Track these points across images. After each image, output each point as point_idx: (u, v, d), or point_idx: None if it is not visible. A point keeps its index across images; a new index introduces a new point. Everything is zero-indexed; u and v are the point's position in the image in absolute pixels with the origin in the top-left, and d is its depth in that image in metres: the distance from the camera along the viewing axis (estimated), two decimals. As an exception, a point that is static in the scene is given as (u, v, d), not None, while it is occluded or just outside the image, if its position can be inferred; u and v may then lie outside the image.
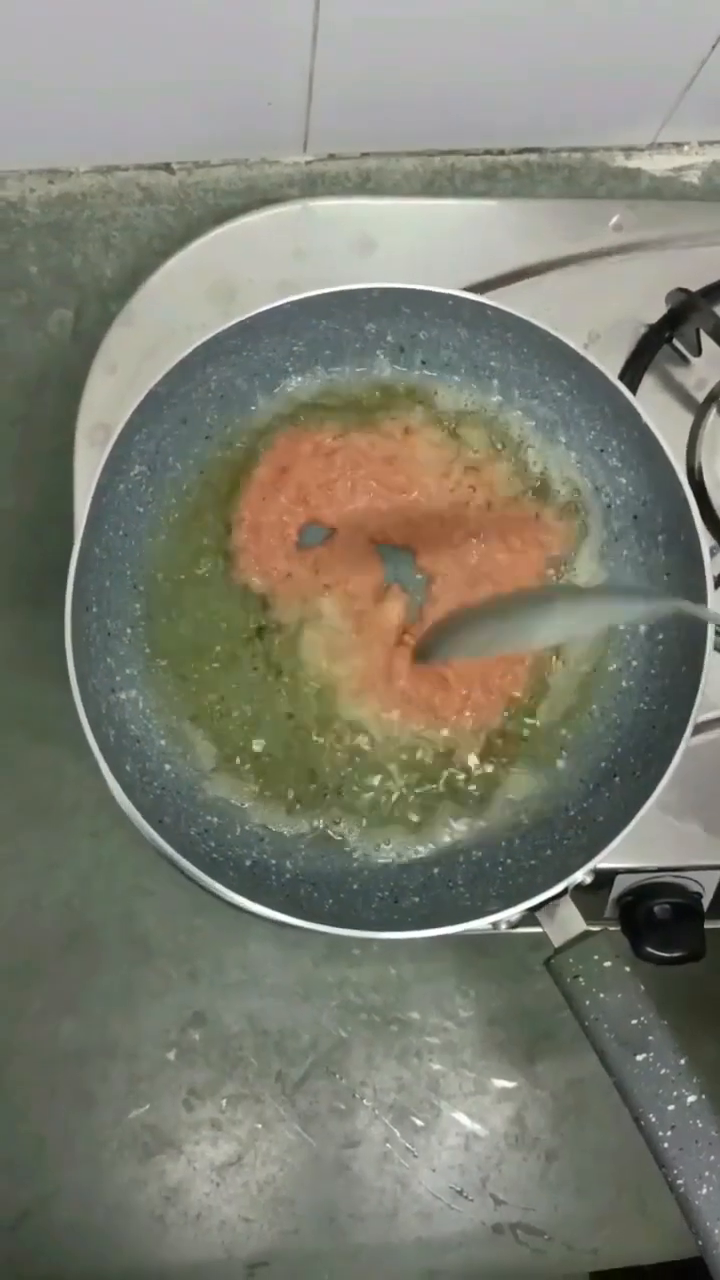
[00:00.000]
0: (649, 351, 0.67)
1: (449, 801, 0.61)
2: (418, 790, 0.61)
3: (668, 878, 0.64)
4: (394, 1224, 0.71)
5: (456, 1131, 0.72)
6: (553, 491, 0.63)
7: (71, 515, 0.63)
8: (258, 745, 0.60)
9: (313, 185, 0.76)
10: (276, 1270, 0.70)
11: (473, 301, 0.56)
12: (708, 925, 0.64)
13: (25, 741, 0.72)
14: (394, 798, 0.60)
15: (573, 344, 0.56)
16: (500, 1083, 0.72)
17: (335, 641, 0.61)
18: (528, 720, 0.61)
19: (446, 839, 0.60)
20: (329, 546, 0.61)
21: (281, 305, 0.55)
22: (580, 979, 0.52)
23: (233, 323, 0.55)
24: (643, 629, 0.61)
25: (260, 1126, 0.71)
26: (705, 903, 0.65)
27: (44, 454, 0.72)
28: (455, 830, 0.61)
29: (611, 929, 0.65)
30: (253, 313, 0.55)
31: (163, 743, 0.60)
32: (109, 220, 0.74)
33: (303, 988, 0.72)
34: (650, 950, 0.62)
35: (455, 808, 0.61)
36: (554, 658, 0.62)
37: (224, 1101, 0.71)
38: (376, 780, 0.61)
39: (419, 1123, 0.72)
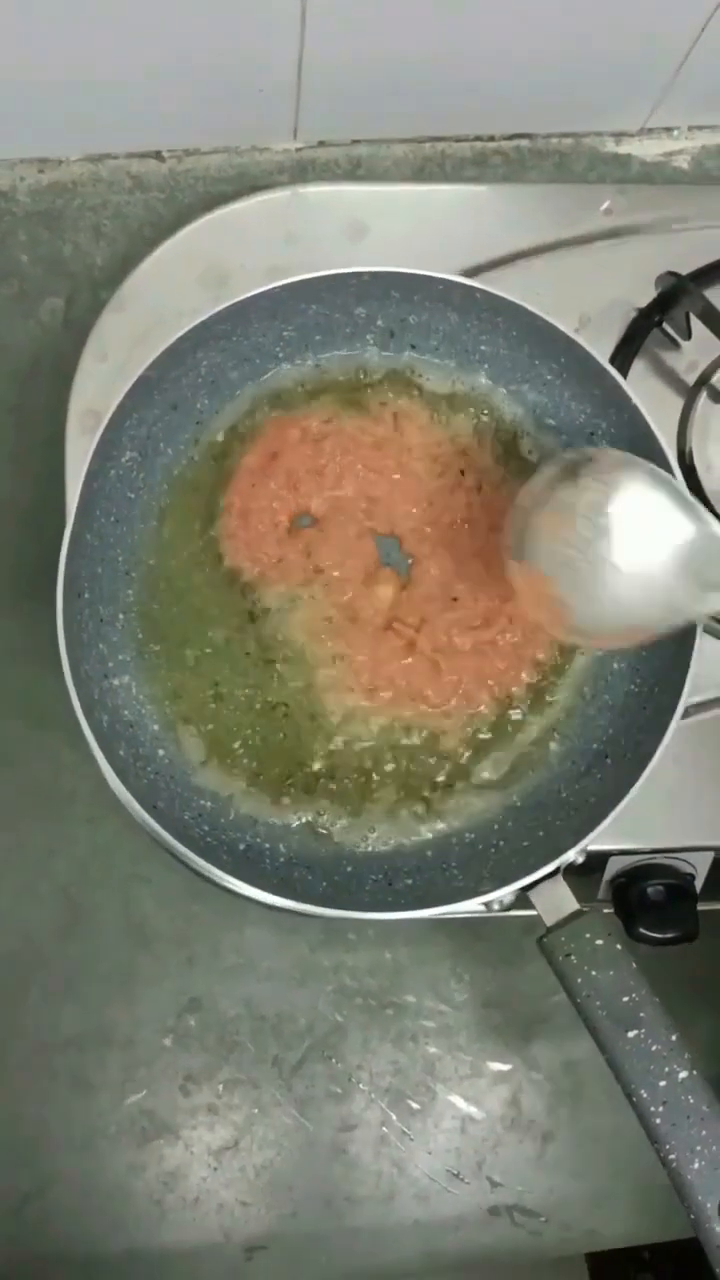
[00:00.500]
0: (639, 335, 0.68)
1: (437, 788, 0.61)
2: (406, 776, 0.61)
3: (660, 859, 0.64)
4: (391, 1207, 0.71)
5: (452, 1114, 0.72)
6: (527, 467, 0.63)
7: (62, 502, 0.63)
8: (247, 731, 0.60)
9: (303, 172, 0.76)
10: (274, 1253, 0.71)
11: (463, 285, 0.56)
12: (700, 906, 0.65)
13: (22, 730, 0.72)
14: (382, 784, 0.60)
15: (563, 327, 0.56)
16: (496, 1065, 0.72)
17: (325, 626, 0.61)
18: (519, 707, 0.62)
19: (437, 825, 0.61)
20: (320, 529, 0.62)
21: (271, 289, 0.55)
22: (572, 957, 0.52)
23: (222, 307, 0.55)
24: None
25: (257, 1111, 0.71)
26: (698, 884, 0.65)
27: (38, 443, 0.72)
28: (444, 816, 0.61)
29: (605, 910, 0.65)
30: (242, 297, 0.55)
31: (156, 728, 0.60)
32: (99, 208, 0.75)
33: (299, 972, 0.72)
34: (643, 931, 0.63)
35: (444, 794, 0.61)
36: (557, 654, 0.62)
37: (221, 1086, 0.71)
38: (366, 765, 0.61)
39: (415, 1106, 0.72)
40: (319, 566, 0.61)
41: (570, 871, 0.56)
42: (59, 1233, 0.70)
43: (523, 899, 0.56)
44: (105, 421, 0.54)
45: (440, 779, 0.61)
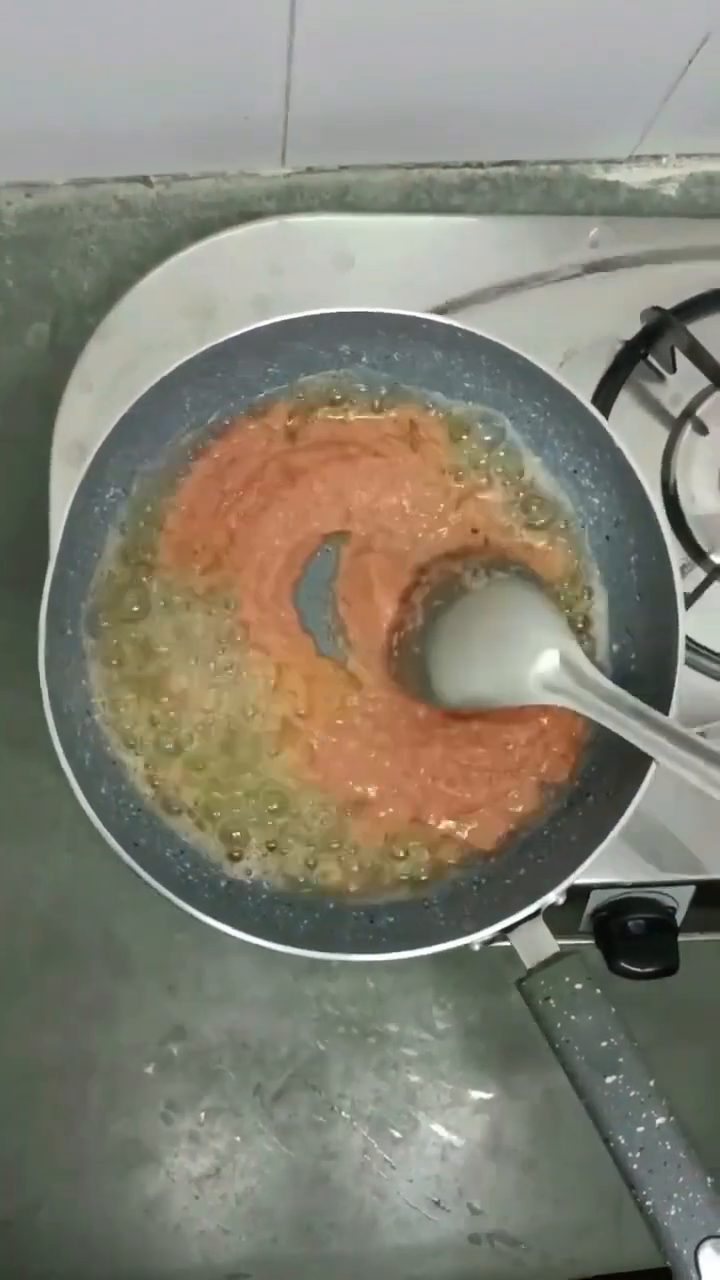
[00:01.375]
0: (624, 369, 0.68)
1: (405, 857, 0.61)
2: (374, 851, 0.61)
3: (642, 893, 0.64)
4: (372, 1234, 0.72)
5: (434, 1142, 0.72)
6: (527, 513, 0.63)
7: (47, 526, 0.63)
8: (220, 777, 0.60)
9: (290, 197, 0.76)
10: (256, 1280, 0.71)
11: (445, 325, 0.56)
12: (682, 938, 0.65)
13: (4, 753, 0.72)
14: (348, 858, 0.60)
15: (545, 367, 0.56)
16: (477, 1094, 0.73)
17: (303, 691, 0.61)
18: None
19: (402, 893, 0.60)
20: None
21: (256, 329, 0.55)
22: (551, 1001, 0.52)
23: (207, 346, 0.55)
24: (615, 647, 0.61)
25: (239, 1139, 0.71)
26: (679, 917, 0.65)
27: (21, 466, 0.72)
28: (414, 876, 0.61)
29: (585, 944, 0.65)
30: (226, 337, 0.55)
31: (139, 763, 0.60)
32: (86, 233, 0.74)
33: (281, 1001, 0.72)
34: (624, 965, 0.63)
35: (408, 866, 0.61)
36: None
37: (202, 1114, 0.71)
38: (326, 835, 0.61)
39: (397, 1134, 0.72)
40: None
41: (551, 907, 0.56)
42: (41, 1260, 0.71)
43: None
44: (89, 461, 0.54)
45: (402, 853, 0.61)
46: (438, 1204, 0.72)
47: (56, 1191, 0.71)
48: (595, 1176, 0.72)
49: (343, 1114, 0.72)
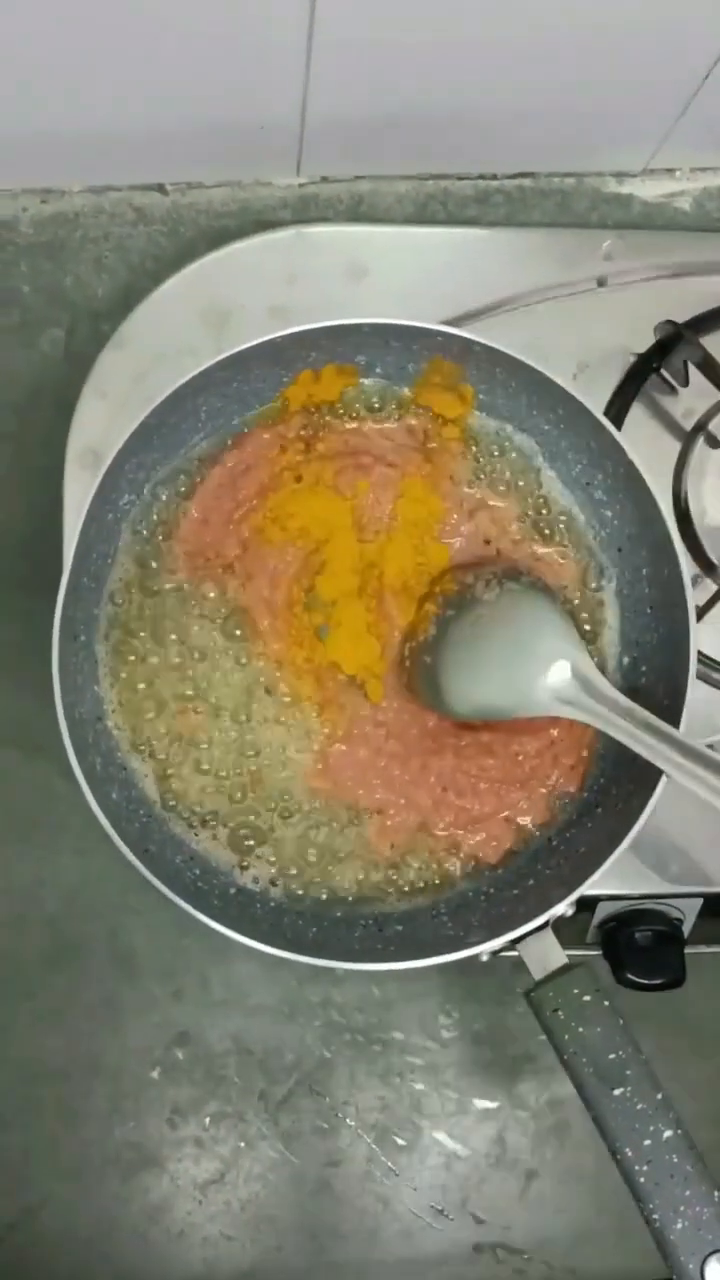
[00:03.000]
0: (637, 381, 0.68)
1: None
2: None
3: (649, 905, 0.65)
4: (375, 1242, 0.72)
5: (438, 1151, 0.72)
6: (540, 525, 0.63)
7: (61, 530, 0.63)
8: (225, 780, 0.60)
9: (305, 207, 0.76)
10: (258, 1287, 0.71)
11: (460, 337, 0.56)
12: (688, 951, 0.65)
13: (13, 757, 0.72)
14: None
15: (559, 379, 0.56)
16: (482, 1103, 0.73)
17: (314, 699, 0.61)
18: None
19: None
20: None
21: (272, 339, 0.55)
22: (559, 1012, 0.52)
23: (223, 356, 0.55)
24: (626, 660, 0.61)
25: (243, 1145, 0.71)
26: (686, 929, 0.65)
27: (35, 471, 0.72)
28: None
29: (593, 955, 0.65)
30: (243, 346, 0.55)
31: (149, 772, 0.60)
32: (101, 240, 0.75)
33: (287, 1007, 0.72)
34: (631, 977, 0.63)
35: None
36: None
37: (207, 1120, 0.71)
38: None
39: (401, 1142, 0.72)
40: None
41: (559, 918, 0.56)
42: (42, 1263, 0.71)
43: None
44: (104, 469, 0.54)
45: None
46: (441, 1213, 0.72)
47: (59, 1194, 0.71)
48: (599, 1187, 0.72)
49: (347, 1121, 0.72)
